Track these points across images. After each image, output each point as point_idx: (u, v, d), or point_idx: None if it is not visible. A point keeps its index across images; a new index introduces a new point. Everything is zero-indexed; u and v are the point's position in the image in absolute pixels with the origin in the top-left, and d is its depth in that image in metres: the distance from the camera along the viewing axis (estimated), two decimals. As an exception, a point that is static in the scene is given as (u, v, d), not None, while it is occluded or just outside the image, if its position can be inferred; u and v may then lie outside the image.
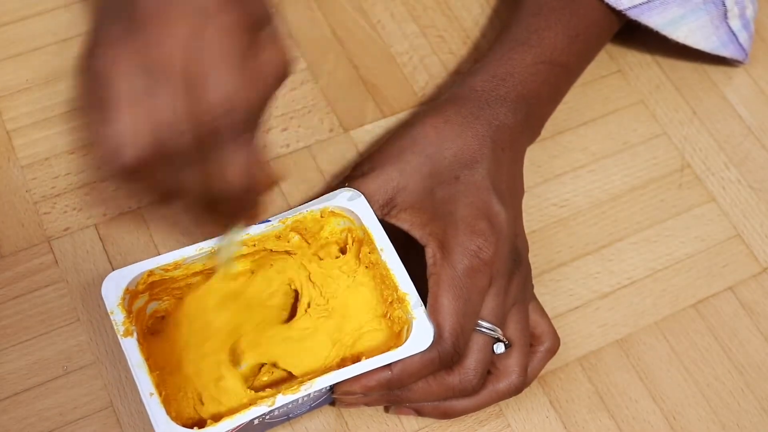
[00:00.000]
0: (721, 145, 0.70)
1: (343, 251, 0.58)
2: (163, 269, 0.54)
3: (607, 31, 0.67)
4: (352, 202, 0.56)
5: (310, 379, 0.52)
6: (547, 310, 0.62)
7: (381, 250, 0.55)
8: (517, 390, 0.57)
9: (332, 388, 0.54)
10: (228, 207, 0.49)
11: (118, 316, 0.52)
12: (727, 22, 0.68)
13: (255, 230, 0.55)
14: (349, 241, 0.57)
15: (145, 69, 0.43)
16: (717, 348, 0.62)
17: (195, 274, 0.56)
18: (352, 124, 0.69)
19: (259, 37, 0.46)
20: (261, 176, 0.48)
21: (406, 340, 0.53)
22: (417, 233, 0.56)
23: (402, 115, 0.69)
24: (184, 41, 0.43)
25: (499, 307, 0.55)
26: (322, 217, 0.56)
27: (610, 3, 0.64)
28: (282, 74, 0.47)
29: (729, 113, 0.72)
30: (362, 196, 0.56)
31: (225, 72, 0.43)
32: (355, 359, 0.54)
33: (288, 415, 0.56)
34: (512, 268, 0.56)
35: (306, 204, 0.56)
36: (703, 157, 0.70)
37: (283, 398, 0.51)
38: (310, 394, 0.52)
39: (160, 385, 0.52)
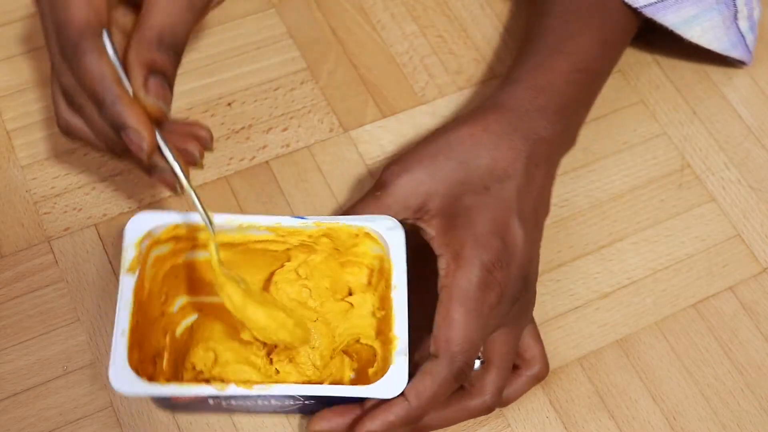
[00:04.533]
0: (721, 145, 0.70)
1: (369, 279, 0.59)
2: (190, 226, 0.55)
3: (630, 35, 0.67)
4: (390, 231, 0.55)
5: (268, 383, 0.52)
6: (546, 310, 0.62)
7: (394, 287, 0.54)
8: (488, 410, 0.55)
9: (315, 401, 0.55)
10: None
11: (129, 253, 0.53)
12: (736, 23, 0.68)
13: (288, 222, 0.55)
14: (376, 270, 0.57)
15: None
16: (717, 348, 0.63)
17: (221, 244, 0.56)
18: (352, 124, 0.69)
19: None
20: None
21: (379, 380, 0.52)
22: (436, 242, 0.55)
23: (402, 116, 0.70)
24: None
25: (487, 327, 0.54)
26: (357, 235, 0.56)
27: (627, 1, 0.64)
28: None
29: (729, 113, 0.72)
30: (402, 229, 0.55)
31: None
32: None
33: (249, 410, 0.57)
34: (517, 294, 0.55)
35: (346, 216, 0.56)
36: (703, 157, 0.70)
37: (234, 389, 0.51)
38: (266, 396, 0.52)
39: (136, 331, 0.53)
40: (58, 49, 0.49)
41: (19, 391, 0.58)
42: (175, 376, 0.56)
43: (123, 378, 0.50)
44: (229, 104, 0.69)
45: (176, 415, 0.58)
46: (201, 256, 0.57)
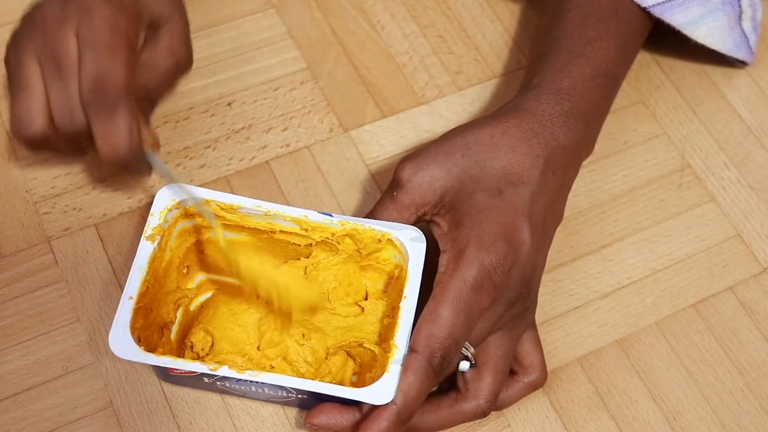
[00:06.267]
0: (721, 145, 0.70)
1: (386, 285, 0.59)
2: (219, 205, 0.56)
3: (644, 37, 0.67)
4: (413, 242, 0.56)
5: (259, 371, 0.52)
6: (546, 310, 0.62)
7: (405, 297, 0.54)
8: (482, 414, 0.55)
9: (309, 397, 0.55)
10: (120, 169, 0.56)
11: (154, 221, 0.55)
12: (740, 24, 0.68)
13: (314, 217, 0.56)
14: (394, 278, 0.57)
15: (45, 61, 0.53)
16: (717, 348, 0.63)
17: (247, 228, 0.57)
18: (352, 124, 0.69)
19: (159, 33, 0.58)
20: (146, 140, 0.56)
21: (372, 383, 0.52)
22: (444, 238, 0.55)
23: (402, 116, 0.70)
24: (74, 35, 0.53)
25: (480, 330, 0.54)
26: (380, 241, 0.56)
27: (636, 0, 0.64)
28: (176, 66, 0.59)
29: (729, 113, 0.72)
30: (425, 242, 0.56)
31: (103, 56, 0.53)
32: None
33: (244, 394, 0.57)
34: (515, 300, 0.55)
35: (372, 220, 0.56)
36: (703, 157, 0.70)
37: (226, 371, 0.52)
38: (258, 384, 0.53)
39: (145, 298, 0.54)
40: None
41: (19, 391, 0.58)
42: (181, 349, 0.57)
43: (122, 342, 0.52)
44: (229, 104, 0.69)
45: (177, 416, 0.58)
46: (226, 236, 0.58)
